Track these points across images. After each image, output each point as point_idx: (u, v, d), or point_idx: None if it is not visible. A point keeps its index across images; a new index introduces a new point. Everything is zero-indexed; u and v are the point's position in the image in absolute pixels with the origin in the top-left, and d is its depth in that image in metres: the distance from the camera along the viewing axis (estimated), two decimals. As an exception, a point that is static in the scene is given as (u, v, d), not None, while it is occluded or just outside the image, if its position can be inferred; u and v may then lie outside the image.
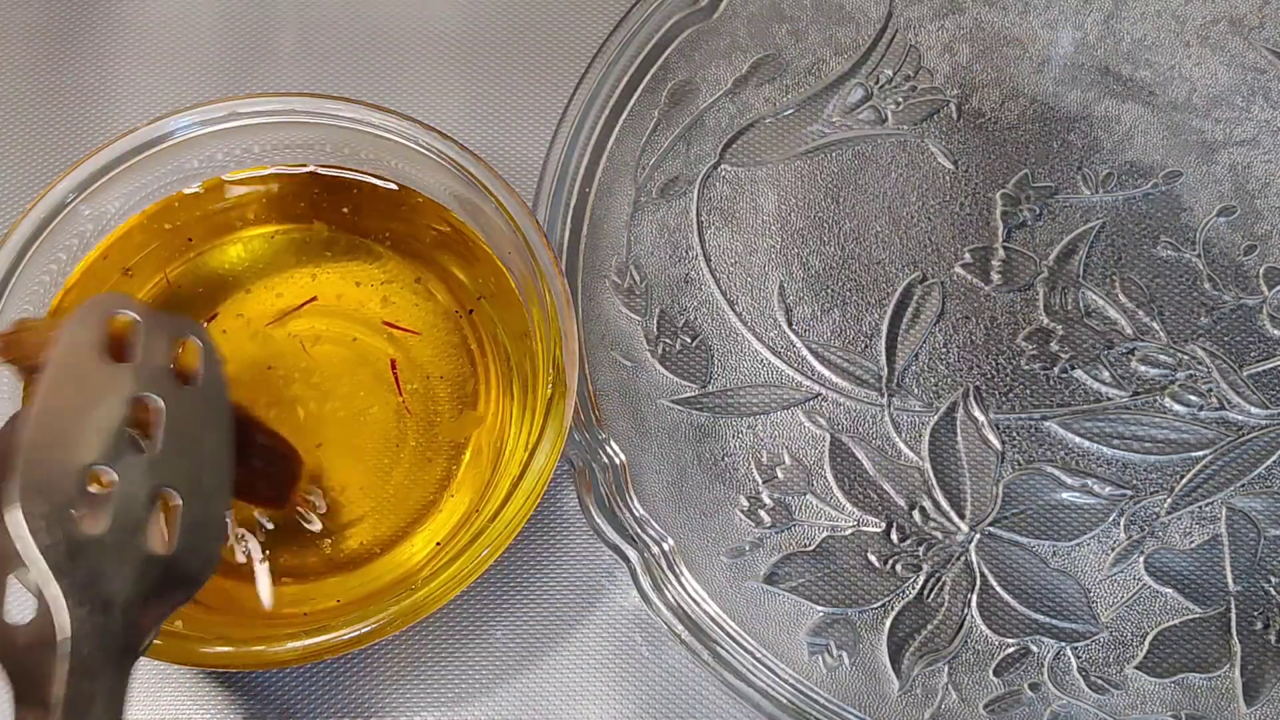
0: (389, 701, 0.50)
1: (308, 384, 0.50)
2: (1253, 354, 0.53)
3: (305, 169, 0.52)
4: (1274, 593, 0.50)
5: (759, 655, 0.48)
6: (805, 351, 0.54)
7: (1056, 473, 0.52)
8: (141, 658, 0.39)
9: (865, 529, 0.51)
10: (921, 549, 0.51)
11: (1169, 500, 0.51)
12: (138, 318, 0.42)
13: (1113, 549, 0.51)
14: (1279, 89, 0.57)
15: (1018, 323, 0.54)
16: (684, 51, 0.57)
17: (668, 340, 0.54)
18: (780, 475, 0.52)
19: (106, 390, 0.41)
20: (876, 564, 0.50)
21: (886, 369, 0.53)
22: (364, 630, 0.44)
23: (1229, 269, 0.55)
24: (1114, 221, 0.56)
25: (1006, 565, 0.50)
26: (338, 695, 0.50)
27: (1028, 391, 0.53)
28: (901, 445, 0.52)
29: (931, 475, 0.52)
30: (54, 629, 0.35)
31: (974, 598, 0.50)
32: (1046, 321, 0.54)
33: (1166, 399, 0.53)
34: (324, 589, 0.48)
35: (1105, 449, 0.52)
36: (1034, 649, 0.49)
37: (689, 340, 0.54)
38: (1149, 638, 0.49)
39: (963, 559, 0.51)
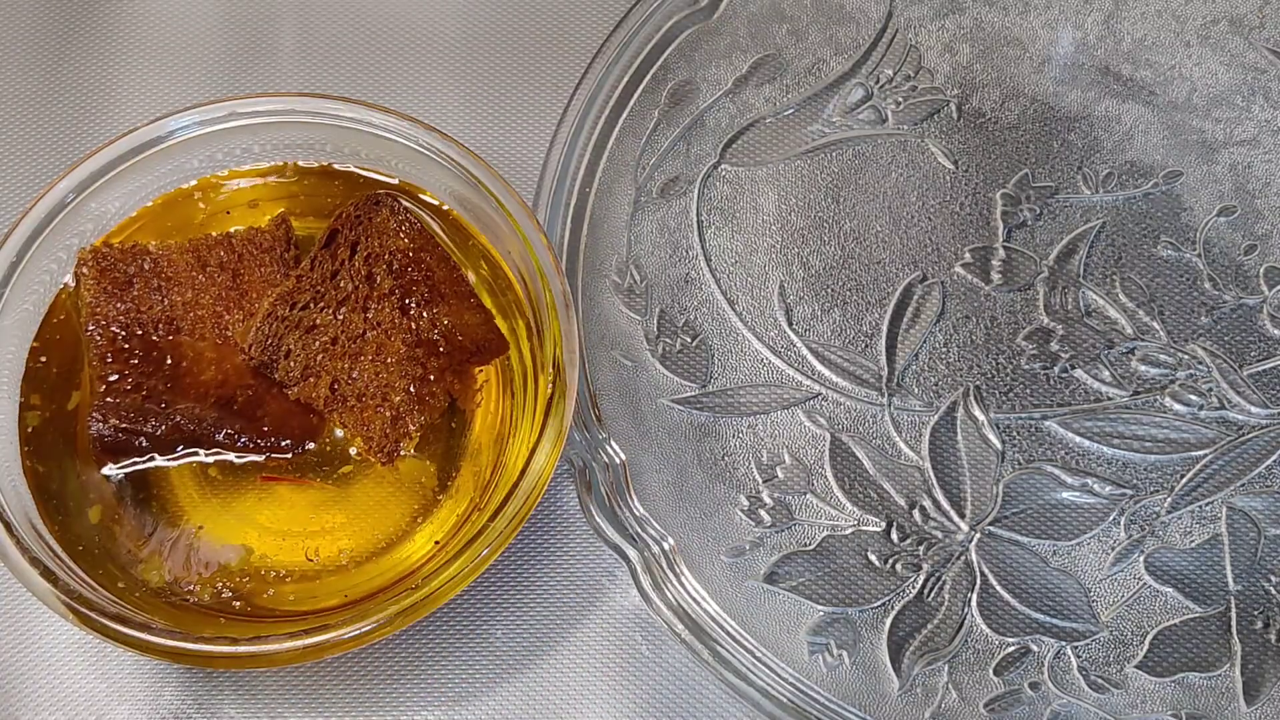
0: (389, 700, 0.50)
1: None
2: (1253, 353, 0.53)
3: (304, 168, 0.52)
4: (1274, 592, 0.50)
5: (759, 654, 0.48)
6: (805, 351, 0.54)
7: (1056, 472, 0.52)
8: (142, 657, 0.39)
9: (865, 528, 0.51)
10: (921, 548, 0.51)
11: (1169, 500, 0.51)
12: None
13: (1113, 548, 0.51)
14: (1279, 89, 0.57)
15: (1018, 322, 0.54)
16: (684, 51, 0.57)
17: (668, 340, 0.54)
18: (780, 475, 0.52)
19: None
20: (876, 563, 0.50)
21: (886, 369, 0.53)
22: (364, 630, 0.44)
23: (1229, 269, 0.55)
24: (1114, 221, 0.56)
25: (1006, 564, 0.50)
26: (338, 695, 0.50)
27: (1028, 391, 0.53)
28: (901, 445, 0.52)
29: (931, 475, 0.52)
30: None
31: (974, 597, 0.50)
32: (1046, 321, 0.54)
33: (1166, 398, 0.53)
34: (324, 588, 0.48)
35: (1105, 448, 0.52)
36: (1034, 648, 0.49)
37: (689, 340, 0.54)
38: (1149, 637, 0.49)
39: (963, 558, 0.50)
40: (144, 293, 0.49)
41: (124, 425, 0.48)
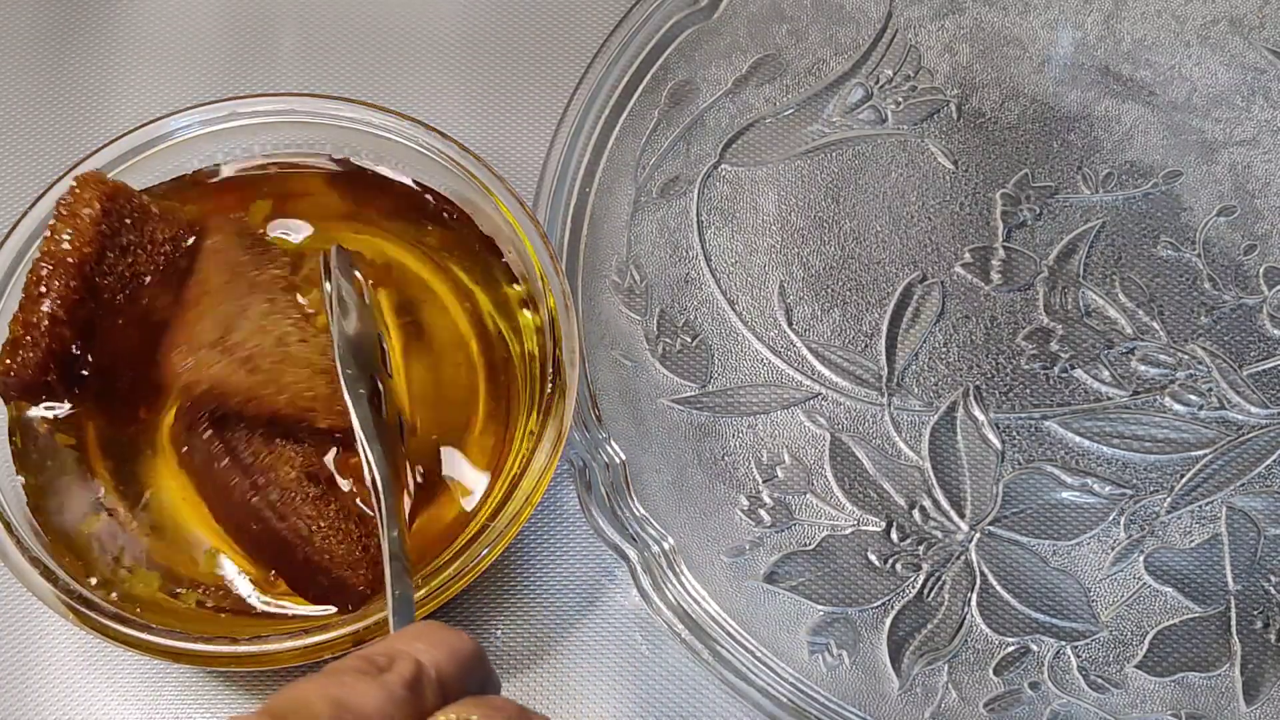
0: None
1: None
2: (1253, 353, 0.53)
3: (305, 167, 0.52)
4: (1274, 592, 0.50)
5: (759, 654, 0.48)
6: (805, 351, 0.54)
7: (1056, 472, 0.52)
8: (142, 657, 0.40)
9: (865, 528, 0.51)
10: (921, 548, 0.51)
11: (1169, 499, 0.51)
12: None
13: (1113, 548, 0.51)
14: (1279, 89, 0.57)
15: (1018, 322, 0.54)
16: (684, 51, 0.57)
17: (668, 340, 0.54)
18: (780, 474, 0.52)
19: (371, 321, 0.48)
20: (876, 563, 0.50)
21: (886, 368, 0.53)
22: (364, 628, 0.44)
23: (1229, 268, 0.55)
24: (1114, 221, 0.56)
25: (1006, 564, 0.50)
26: (338, 695, 0.50)
27: (1028, 391, 0.53)
28: (901, 445, 0.52)
29: (931, 474, 0.52)
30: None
31: (974, 597, 0.50)
32: (1046, 321, 0.54)
33: (1166, 398, 0.53)
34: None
35: (1105, 448, 0.52)
36: (1034, 648, 0.49)
37: (689, 340, 0.54)
38: (1149, 637, 0.49)
39: (962, 558, 0.51)
40: (127, 247, 0.48)
41: (43, 379, 0.46)
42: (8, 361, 0.46)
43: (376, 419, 0.45)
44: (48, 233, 0.47)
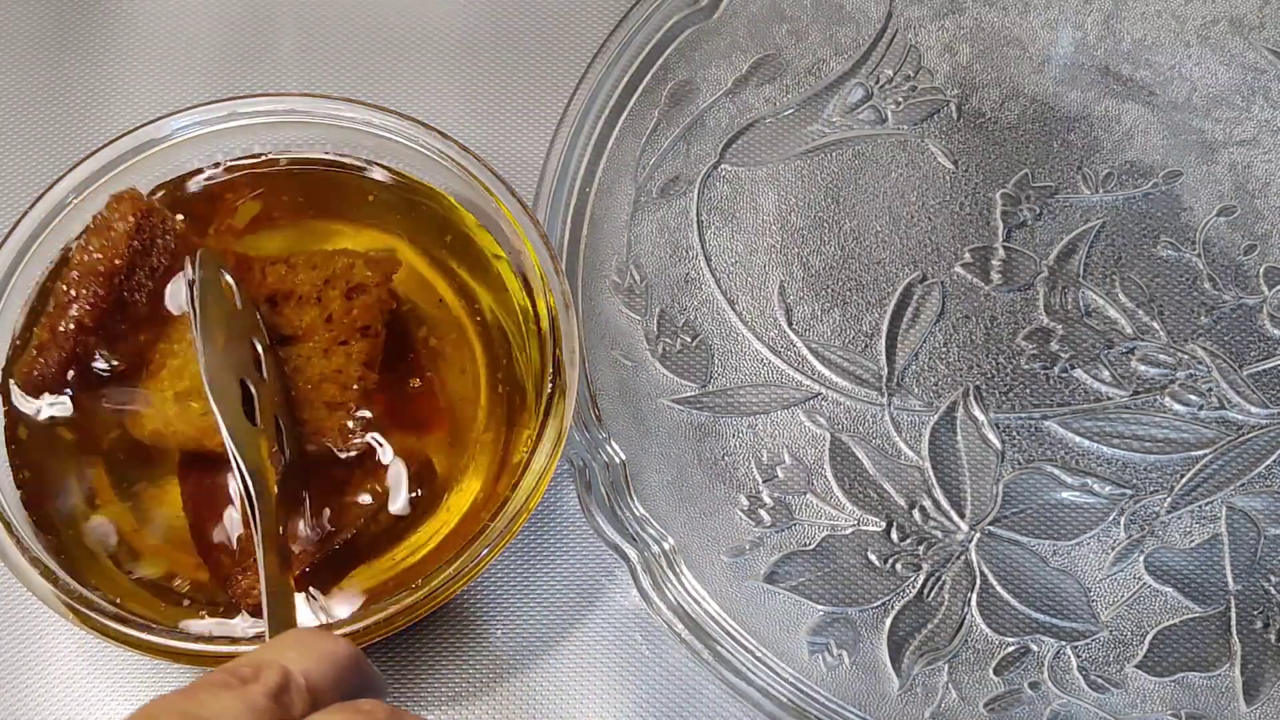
0: (389, 700, 0.50)
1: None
2: (1253, 353, 0.53)
3: (307, 166, 0.52)
4: (1274, 592, 0.50)
5: (759, 654, 0.48)
6: (805, 351, 0.54)
7: (1056, 472, 0.52)
8: (142, 657, 0.42)
9: (865, 528, 0.51)
10: (921, 548, 0.51)
11: (1169, 499, 0.51)
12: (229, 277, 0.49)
13: (1113, 548, 0.51)
14: (1279, 89, 0.57)
15: (1018, 322, 0.54)
16: (684, 51, 0.57)
17: (668, 340, 0.54)
18: (780, 474, 0.52)
19: (240, 326, 0.47)
20: (876, 563, 0.50)
21: (886, 368, 0.53)
22: (364, 628, 0.44)
23: (1229, 268, 0.55)
24: (1114, 221, 0.56)
25: (1006, 564, 0.50)
26: (338, 695, 0.50)
27: (1028, 391, 0.53)
28: (901, 445, 0.52)
29: (931, 475, 0.52)
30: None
31: (974, 597, 0.50)
32: (1046, 321, 0.54)
33: (1166, 398, 0.53)
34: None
35: (1105, 448, 0.52)
36: (1034, 648, 0.49)
37: (689, 340, 0.54)
38: (1149, 637, 0.49)
39: (962, 558, 0.51)
40: (157, 268, 0.48)
41: (62, 382, 0.47)
42: (33, 366, 0.47)
43: (248, 426, 0.45)
44: (80, 242, 0.48)
